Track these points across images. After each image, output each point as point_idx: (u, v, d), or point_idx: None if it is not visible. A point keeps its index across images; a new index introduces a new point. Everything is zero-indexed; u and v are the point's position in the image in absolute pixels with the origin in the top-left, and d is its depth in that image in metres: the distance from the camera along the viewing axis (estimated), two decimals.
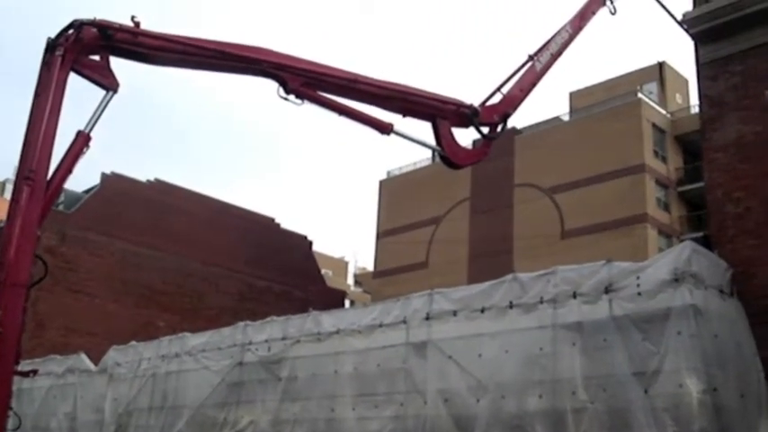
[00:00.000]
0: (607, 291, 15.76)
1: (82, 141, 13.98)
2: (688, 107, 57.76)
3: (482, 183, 54.88)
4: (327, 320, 21.12)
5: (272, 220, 50.31)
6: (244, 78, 16.41)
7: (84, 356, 28.81)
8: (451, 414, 17.39)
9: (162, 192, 44.26)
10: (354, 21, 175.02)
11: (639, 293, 15.38)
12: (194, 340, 24.87)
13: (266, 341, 22.19)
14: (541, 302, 16.65)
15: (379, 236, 63.52)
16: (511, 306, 17.18)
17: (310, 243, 52.31)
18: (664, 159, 53.14)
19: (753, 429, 15.26)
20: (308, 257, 51.61)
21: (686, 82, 59.69)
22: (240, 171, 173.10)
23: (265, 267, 47.19)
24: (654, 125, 52.98)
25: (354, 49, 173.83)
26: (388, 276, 59.45)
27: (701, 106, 19.80)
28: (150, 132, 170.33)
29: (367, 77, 17.16)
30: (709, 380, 14.38)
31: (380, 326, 19.59)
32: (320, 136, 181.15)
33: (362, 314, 20.66)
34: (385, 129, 17.64)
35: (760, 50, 18.51)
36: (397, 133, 17.83)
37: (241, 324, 23.52)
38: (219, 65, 15.79)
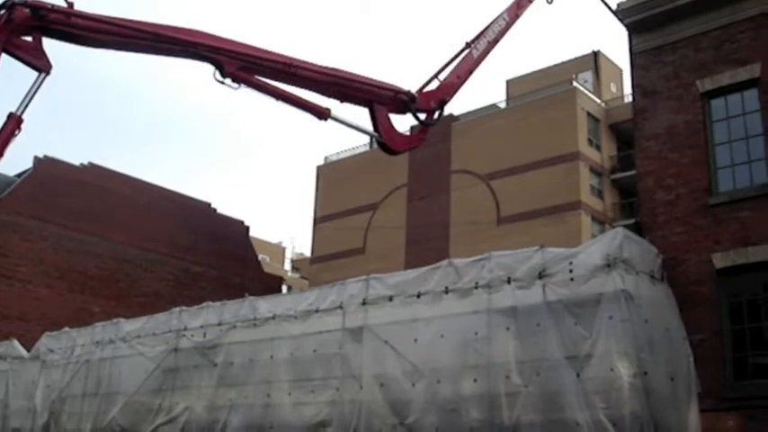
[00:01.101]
0: (541, 276, 15.98)
1: (13, 124, 13.74)
2: (622, 96, 58.52)
3: (419, 169, 55.05)
4: (263, 306, 21.08)
5: (209, 204, 49.74)
6: (175, 60, 16.28)
7: (16, 343, 28.35)
8: (387, 399, 17.49)
9: (96, 176, 43.48)
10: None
11: (572, 279, 15.64)
12: (129, 326, 24.62)
13: (202, 327, 22.06)
14: (476, 287, 16.82)
15: (317, 221, 63.36)
16: (446, 291, 17.32)
17: (247, 228, 51.84)
18: (598, 147, 53.82)
19: (682, 412, 15.65)
20: (245, 243, 51.17)
21: (620, 72, 60.48)
22: (171, 155, 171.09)
23: (201, 253, 46.71)
24: (588, 114, 53.61)
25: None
26: (326, 262, 59.37)
27: (633, 95, 20.16)
28: (78, 114, 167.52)
29: (304, 62, 17.12)
30: (639, 364, 14.70)
31: (317, 311, 19.62)
32: (256, 120, 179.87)
33: (299, 299, 20.66)
34: (322, 114, 17.62)
35: (691, 41, 18.88)
36: (335, 119, 17.83)
37: (176, 310, 23.35)
38: (155, 47, 15.60)
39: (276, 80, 16.83)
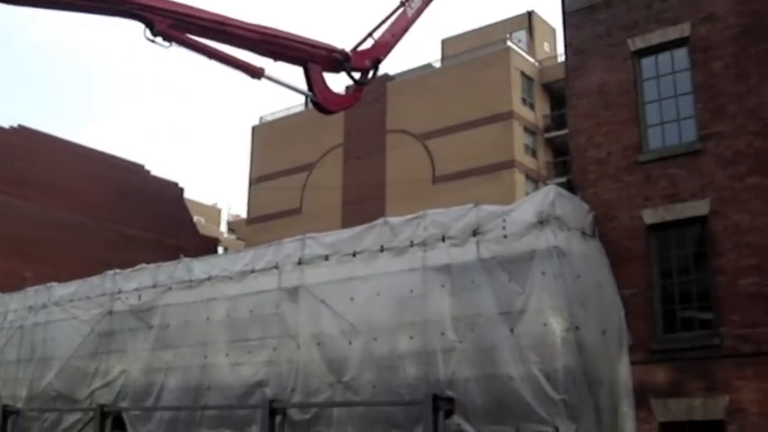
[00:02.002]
0: (475, 233, 16.18)
1: None
2: (555, 56, 58.91)
3: (355, 129, 54.88)
4: (199, 267, 20.99)
5: (142, 166, 49.12)
6: (106, 19, 15.91)
7: None
8: (324, 357, 17.61)
9: (26, 139, 42.60)
10: None
11: (506, 236, 15.85)
12: (62, 290, 24.35)
13: (136, 289, 21.91)
14: (411, 246, 16.96)
15: (252, 182, 62.82)
16: (382, 250, 17.44)
17: (181, 190, 51.40)
18: (531, 107, 54.16)
19: (613, 364, 16.06)
20: (180, 205, 50.72)
21: (554, 31, 60.75)
22: (103, 117, 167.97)
23: (136, 215, 46.16)
24: (522, 73, 53.84)
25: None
26: (262, 223, 59.04)
27: (566, 54, 20.29)
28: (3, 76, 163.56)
29: (237, 20, 16.88)
30: (571, 318, 15.04)
31: (252, 272, 19.60)
32: (189, 81, 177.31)
33: (234, 260, 20.62)
34: (256, 73, 17.43)
35: (623, 0, 19.03)
36: (269, 78, 17.65)
37: (110, 272, 23.13)
38: (83, 5, 15.20)
39: (208, 38, 16.56)
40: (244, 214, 71.27)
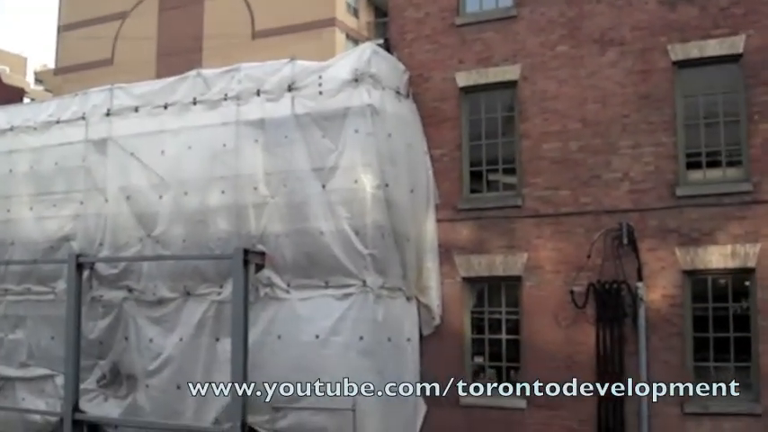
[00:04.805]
0: (290, 89, 16.12)
1: None
2: None
3: None
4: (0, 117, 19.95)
5: None
6: None
7: None
8: (133, 211, 17.34)
9: None
10: None
11: (321, 92, 15.88)
12: None
13: None
14: (225, 99, 16.73)
15: (61, 30, 59.71)
16: (194, 102, 17.11)
17: None
18: None
19: (420, 221, 16.59)
20: None
21: None
22: None
23: None
24: None
25: None
26: (72, 73, 56.25)
27: None
28: None
29: None
30: (382, 176, 15.39)
31: (58, 122, 18.82)
32: None
33: (38, 110, 19.70)
34: None
35: None
36: None
37: None
38: None
39: None
40: (52, 64, 67.98)
